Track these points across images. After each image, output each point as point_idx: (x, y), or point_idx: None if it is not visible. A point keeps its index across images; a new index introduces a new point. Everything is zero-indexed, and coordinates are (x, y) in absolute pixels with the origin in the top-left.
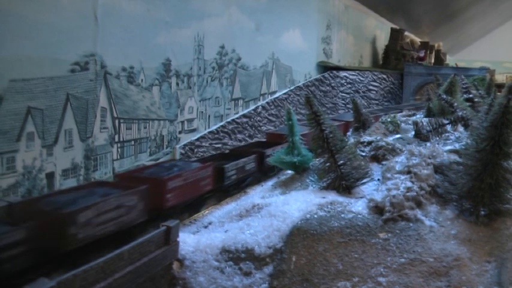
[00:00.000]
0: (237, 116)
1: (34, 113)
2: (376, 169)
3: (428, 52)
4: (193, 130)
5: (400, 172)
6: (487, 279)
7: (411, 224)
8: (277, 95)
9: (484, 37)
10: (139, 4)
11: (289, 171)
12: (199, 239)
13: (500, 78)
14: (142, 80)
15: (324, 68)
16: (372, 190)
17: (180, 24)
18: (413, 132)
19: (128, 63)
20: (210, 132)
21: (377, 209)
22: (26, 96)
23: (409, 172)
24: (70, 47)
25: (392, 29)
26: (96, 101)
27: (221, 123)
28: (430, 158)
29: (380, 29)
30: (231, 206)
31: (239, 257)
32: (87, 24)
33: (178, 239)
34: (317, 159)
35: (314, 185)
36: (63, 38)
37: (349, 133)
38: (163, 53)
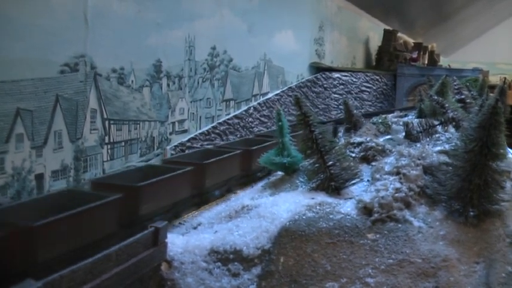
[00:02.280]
0: (228, 117)
1: (23, 114)
2: (365, 170)
3: (421, 53)
4: (184, 131)
5: (389, 173)
6: (475, 280)
7: (400, 225)
8: (269, 96)
9: (478, 38)
10: (130, 5)
11: (280, 173)
12: (188, 240)
13: (494, 79)
14: (132, 81)
15: (317, 69)
16: (361, 191)
17: (171, 25)
18: (404, 133)
19: (118, 65)
20: (201, 134)
21: (366, 210)
22: (15, 98)
23: (398, 173)
24: (60, 48)
25: (385, 30)
26: (86, 102)
27: (212, 124)
28: (419, 159)
29: (373, 30)
30: (220, 207)
31: (228, 258)
32: (77, 26)
33: (166, 240)
34: (306, 160)
35: (303, 186)
36: (53, 40)
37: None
38: (154, 54)
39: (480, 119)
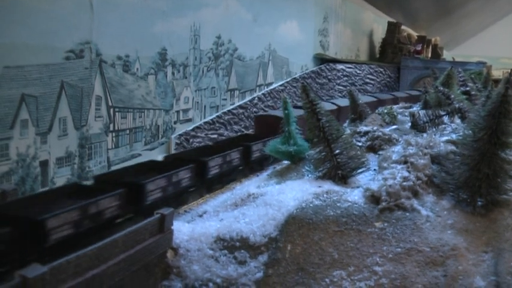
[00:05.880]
0: (233, 106)
1: (28, 100)
2: (372, 159)
3: (425, 46)
4: (189, 120)
5: (397, 162)
6: (484, 269)
7: (407, 214)
8: (273, 86)
9: (481, 33)
10: None
11: (285, 161)
12: (194, 227)
13: (496, 73)
14: (137, 69)
15: (321, 60)
16: (368, 180)
17: (177, 13)
18: (410, 124)
19: (124, 52)
20: (205, 123)
21: (373, 198)
22: (20, 83)
23: (405, 162)
24: (65, 35)
25: (389, 22)
26: (91, 89)
27: (217, 114)
28: (426, 148)
29: (377, 23)
30: (226, 196)
31: (234, 246)
32: (83, 12)
33: (172, 227)
34: (313, 149)
35: (310, 175)
36: (58, 26)
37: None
38: (159, 43)
39: (490, 107)
